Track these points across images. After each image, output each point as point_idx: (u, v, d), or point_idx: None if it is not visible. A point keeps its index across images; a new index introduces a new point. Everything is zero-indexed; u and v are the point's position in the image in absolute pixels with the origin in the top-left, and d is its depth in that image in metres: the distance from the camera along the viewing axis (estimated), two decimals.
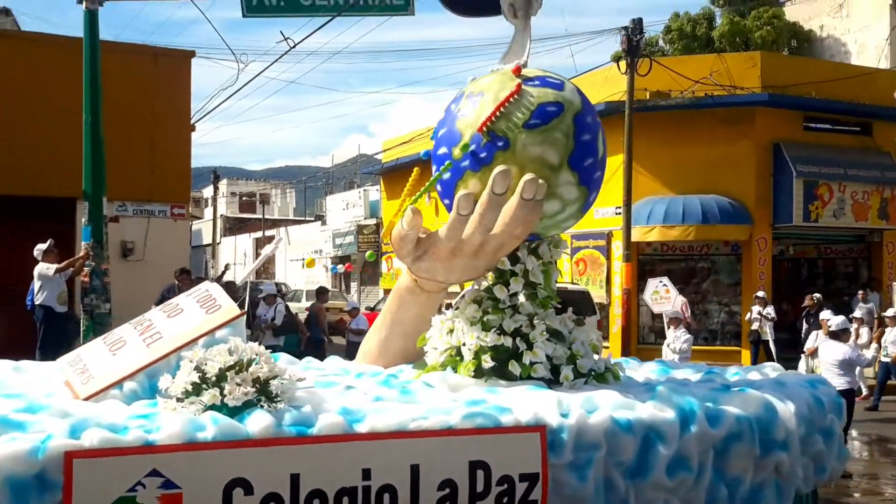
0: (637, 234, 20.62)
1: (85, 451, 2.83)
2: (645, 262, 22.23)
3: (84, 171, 12.61)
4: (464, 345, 4.04)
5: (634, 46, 20.38)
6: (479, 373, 4.01)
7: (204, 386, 3.10)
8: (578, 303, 20.21)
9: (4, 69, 17.30)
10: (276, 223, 55.67)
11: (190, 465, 2.91)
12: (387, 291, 33.73)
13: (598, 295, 20.97)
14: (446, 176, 4.11)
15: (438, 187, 4.22)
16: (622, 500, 3.52)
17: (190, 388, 3.11)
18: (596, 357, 4.25)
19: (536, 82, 4.11)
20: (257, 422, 3.02)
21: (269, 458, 3.00)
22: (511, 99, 4.00)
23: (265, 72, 19.62)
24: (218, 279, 18.64)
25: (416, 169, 4.29)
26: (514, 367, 3.97)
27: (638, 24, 20.94)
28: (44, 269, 12.46)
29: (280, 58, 16.70)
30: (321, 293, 16.62)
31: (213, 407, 3.08)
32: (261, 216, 56.87)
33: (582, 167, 4.05)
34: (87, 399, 3.36)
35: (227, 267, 22.82)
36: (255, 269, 6.47)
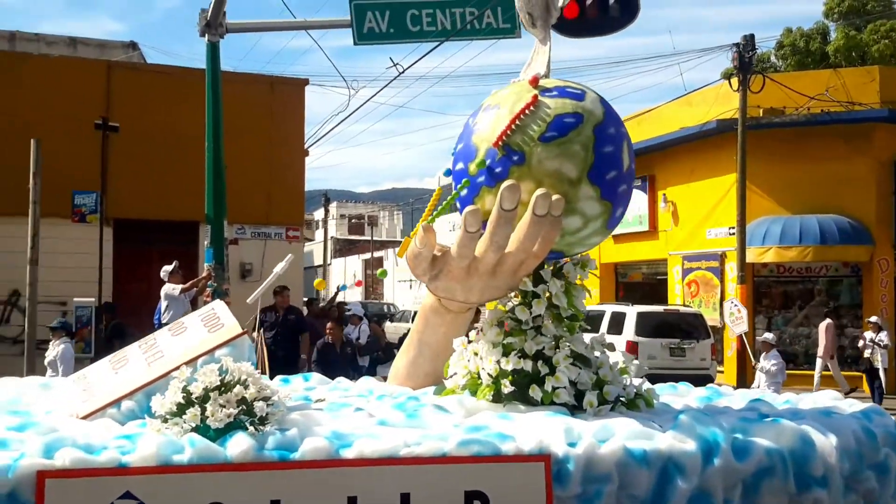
0: (752, 256, 20.07)
1: (57, 471, 2.75)
2: (760, 284, 21.64)
3: (206, 195, 13.05)
4: (483, 368, 3.85)
5: (746, 63, 19.97)
6: (498, 397, 3.81)
7: (189, 406, 3.00)
8: (691, 325, 19.78)
9: (132, 99, 18.00)
10: (383, 244, 56.26)
11: (164, 489, 2.80)
12: None
13: (711, 318, 20.43)
14: (464, 193, 3.94)
15: (458, 204, 4.04)
16: None
17: (175, 408, 3.01)
18: (628, 382, 4.00)
19: (554, 93, 3.90)
20: (237, 445, 2.90)
21: (247, 483, 2.87)
22: (527, 111, 3.80)
23: (375, 97, 20.02)
24: (331, 300, 18.83)
25: (438, 188, 4.14)
26: (535, 393, 3.76)
27: (749, 40, 20.49)
28: (170, 289, 13.02)
29: (389, 83, 16.95)
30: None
31: (202, 429, 2.98)
32: (369, 238, 57.51)
33: (604, 181, 3.82)
34: (85, 418, 3.30)
35: (339, 288, 23.07)
36: (265, 287, 6.33)
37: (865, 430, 3.82)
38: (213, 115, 13.09)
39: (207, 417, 2.95)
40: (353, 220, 66.52)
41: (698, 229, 23.97)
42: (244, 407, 3.01)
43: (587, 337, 4.03)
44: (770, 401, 4.42)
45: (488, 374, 3.83)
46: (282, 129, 20.13)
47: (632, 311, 19.87)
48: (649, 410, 3.93)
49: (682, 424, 3.44)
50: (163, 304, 13.03)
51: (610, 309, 20.90)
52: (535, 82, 3.95)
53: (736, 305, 17.50)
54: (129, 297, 17.26)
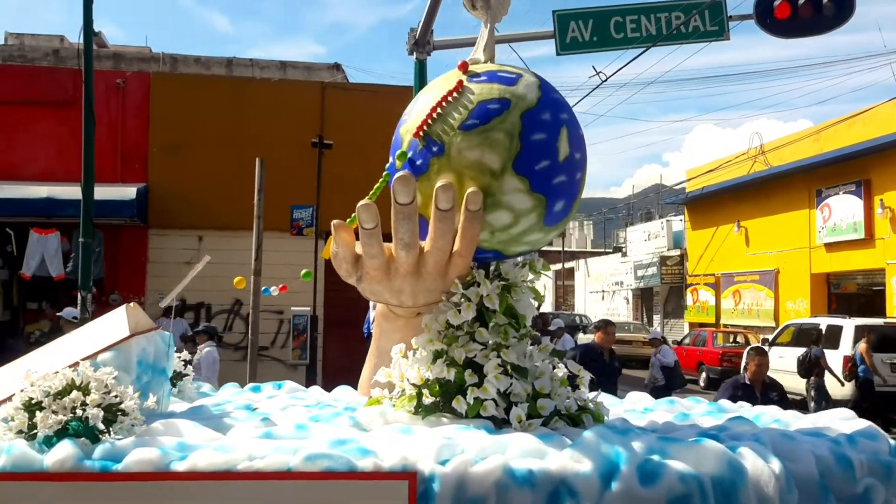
0: None
1: None
2: None
3: None
4: (406, 378, 3.46)
5: None
6: (425, 408, 3.41)
7: (24, 412, 2.78)
8: None
9: (343, 117, 18.56)
10: (574, 255, 55.51)
11: None
12: (692, 325, 32.46)
13: None
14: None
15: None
16: None
17: (13, 413, 2.80)
18: (575, 395, 3.50)
19: (483, 78, 3.46)
20: (55, 453, 2.65)
21: (64, 495, 2.62)
22: (449, 98, 3.39)
23: (575, 106, 19.95)
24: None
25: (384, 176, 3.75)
26: (459, 405, 3.33)
27: None
28: None
29: (591, 92, 16.65)
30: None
31: (52, 437, 2.76)
32: (560, 248, 57.00)
33: (533, 172, 3.34)
34: None
35: (541, 299, 22.95)
36: (180, 289, 6.07)
37: (838, 456, 3.17)
38: None
39: (37, 423, 2.71)
40: None
41: None
42: (73, 413, 2.75)
43: (531, 345, 3.56)
44: (757, 420, 3.79)
45: (411, 384, 3.44)
46: None
47: (849, 324, 18.60)
48: (596, 425, 3.41)
49: (584, 442, 2.94)
50: (371, 313, 13.15)
51: (825, 322, 19.67)
52: (463, 67, 3.53)
53: None
54: (338, 307, 17.66)
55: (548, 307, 47.98)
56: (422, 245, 3.46)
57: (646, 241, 38.89)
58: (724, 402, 4.33)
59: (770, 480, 2.91)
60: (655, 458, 2.91)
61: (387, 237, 3.44)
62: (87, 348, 3.21)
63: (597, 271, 46.24)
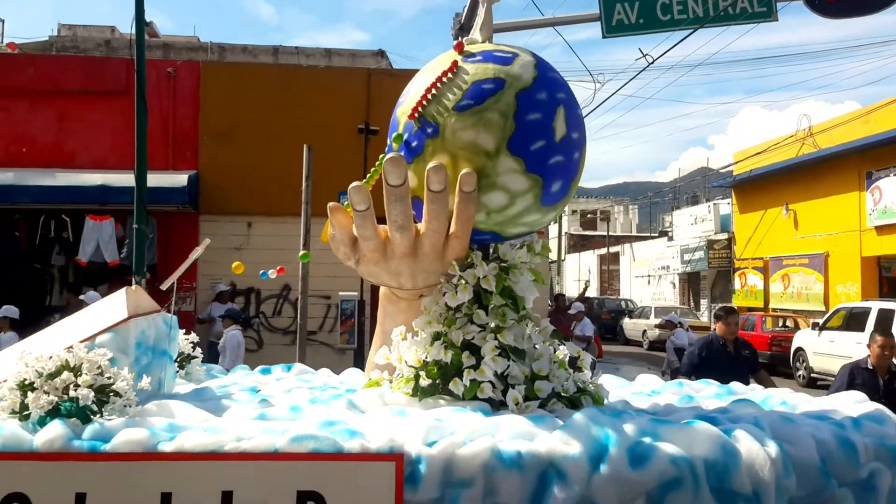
0: None
1: None
2: None
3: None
4: (404, 360, 3.41)
5: None
6: (421, 391, 3.36)
7: (19, 392, 2.79)
8: None
9: (388, 104, 18.56)
10: (618, 239, 54.92)
11: None
12: (740, 309, 31.96)
13: None
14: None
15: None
16: None
17: (5, 393, 2.81)
18: (574, 377, 3.42)
19: (479, 58, 3.39)
20: (45, 433, 2.66)
21: (52, 474, 2.62)
22: (444, 79, 3.32)
23: (621, 90, 19.67)
24: (581, 294, 18.80)
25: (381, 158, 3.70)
26: (456, 387, 3.28)
27: None
28: None
29: (637, 75, 16.41)
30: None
31: (46, 417, 2.77)
32: (604, 233, 56.37)
33: (528, 152, 3.26)
34: None
35: (587, 283, 22.84)
36: (181, 272, 5.92)
37: (841, 440, 3.06)
38: None
39: (28, 404, 2.72)
40: (587, 216, 65.26)
41: None
42: (66, 395, 2.76)
43: (531, 327, 3.49)
44: (765, 404, 3.68)
45: (409, 366, 3.39)
46: None
47: None
48: (594, 407, 3.33)
49: (574, 425, 2.86)
50: None
51: (877, 306, 19.18)
52: (459, 48, 3.46)
53: None
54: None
55: (593, 292, 47.51)
56: (418, 227, 3.41)
57: (692, 224, 38.20)
58: (736, 385, 4.21)
59: (765, 464, 2.81)
60: (646, 440, 2.84)
61: (383, 220, 3.39)
62: (86, 330, 3.22)
63: (642, 256, 45.62)
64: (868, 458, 3.08)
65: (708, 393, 4.08)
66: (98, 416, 2.79)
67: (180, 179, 16.96)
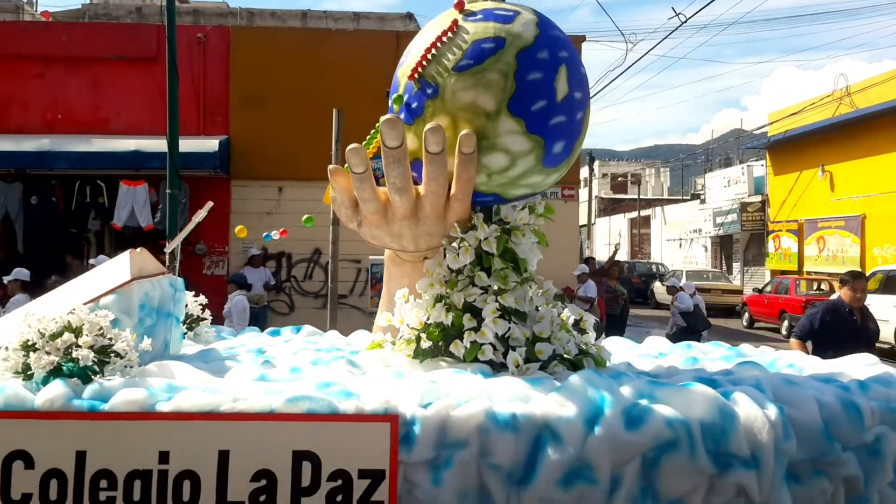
0: None
1: None
2: None
3: None
4: (406, 322, 3.40)
5: None
6: (424, 353, 3.36)
7: (21, 352, 2.83)
8: None
9: None
10: (650, 203, 54.36)
11: None
12: (773, 272, 31.58)
13: None
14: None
15: None
16: None
17: (10, 353, 2.84)
18: (576, 339, 3.40)
19: (479, 17, 3.33)
20: (46, 393, 2.70)
21: (53, 433, 2.66)
22: (443, 39, 3.28)
23: (654, 49, 19.38)
24: (611, 258, 18.80)
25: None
26: (457, 349, 3.28)
27: None
28: None
29: (670, 34, 16.15)
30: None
31: (49, 377, 2.80)
32: (635, 196, 55.77)
33: (528, 112, 3.21)
34: None
35: (617, 246, 22.75)
36: (184, 235, 5.80)
37: (846, 403, 3.02)
38: None
39: (30, 364, 2.75)
40: (618, 179, 64.57)
41: None
42: (68, 355, 2.78)
43: (533, 289, 3.47)
44: (769, 365, 3.63)
45: (410, 328, 3.39)
46: None
47: None
48: (598, 370, 3.31)
49: (569, 387, 2.85)
50: None
51: None
52: (460, 6, 3.40)
53: None
54: None
55: (623, 256, 47.11)
56: (419, 190, 3.38)
57: (725, 187, 37.58)
58: (745, 347, 4.16)
59: (764, 427, 2.78)
60: (643, 402, 2.81)
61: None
62: (91, 292, 3.24)
63: (674, 219, 45.05)
64: (874, 422, 3.03)
65: (715, 355, 4.04)
66: (99, 376, 2.82)
67: (212, 145, 17.03)
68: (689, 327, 14.03)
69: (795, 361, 3.72)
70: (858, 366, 3.61)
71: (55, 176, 16.76)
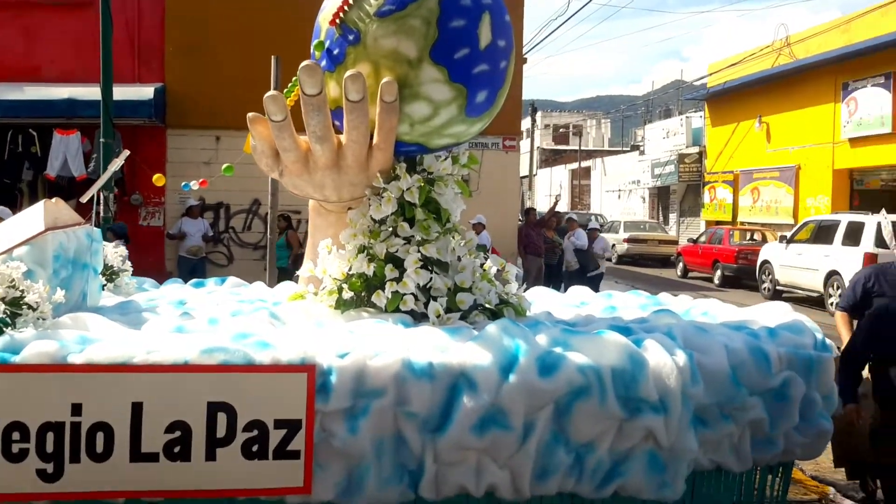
0: None
1: None
2: None
3: None
4: (328, 273, 3.40)
5: None
6: (344, 303, 3.36)
7: None
8: None
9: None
10: (590, 154, 54.55)
11: None
12: (708, 223, 32.04)
13: None
14: None
15: None
16: (416, 458, 2.77)
17: None
18: (497, 290, 3.43)
19: None
20: None
21: None
22: None
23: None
24: (551, 209, 18.81)
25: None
26: (378, 299, 3.28)
27: None
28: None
29: None
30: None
31: None
32: (576, 147, 55.92)
33: (451, 60, 3.19)
34: None
35: (558, 197, 22.84)
36: (101, 184, 5.67)
37: (753, 349, 3.10)
38: None
39: None
40: (559, 130, 64.57)
41: None
42: None
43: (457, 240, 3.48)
44: (685, 313, 3.70)
45: (333, 279, 3.38)
46: None
47: (872, 221, 18.09)
48: (517, 319, 3.35)
49: (485, 336, 2.88)
50: None
51: (846, 218, 19.14)
52: None
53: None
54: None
55: (563, 207, 47.43)
56: (341, 139, 3.36)
57: (664, 138, 37.87)
58: (663, 296, 4.24)
59: (672, 372, 2.85)
60: (556, 350, 2.86)
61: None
62: (3, 244, 3.18)
63: (613, 170, 45.36)
64: (781, 368, 3.12)
65: (634, 304, 4.11)
66: (10, 328, 2.77)
67: (147, 92, 16.64)
68: (581, 268, 14.31)
69: (709, 309, 3.80)
70: (771, 314, 3.70)
71: None
